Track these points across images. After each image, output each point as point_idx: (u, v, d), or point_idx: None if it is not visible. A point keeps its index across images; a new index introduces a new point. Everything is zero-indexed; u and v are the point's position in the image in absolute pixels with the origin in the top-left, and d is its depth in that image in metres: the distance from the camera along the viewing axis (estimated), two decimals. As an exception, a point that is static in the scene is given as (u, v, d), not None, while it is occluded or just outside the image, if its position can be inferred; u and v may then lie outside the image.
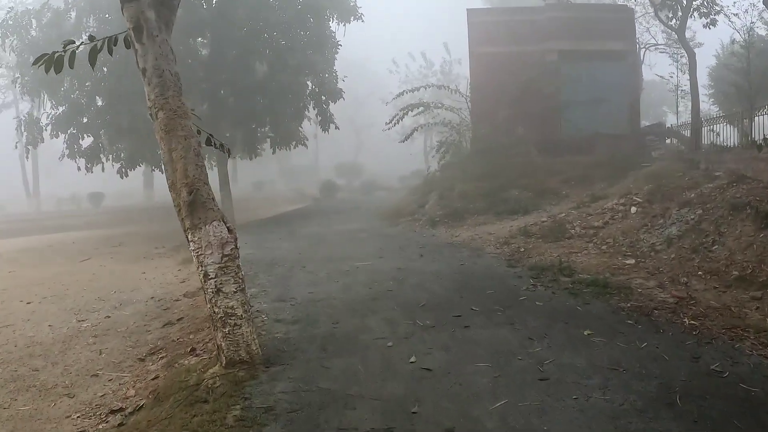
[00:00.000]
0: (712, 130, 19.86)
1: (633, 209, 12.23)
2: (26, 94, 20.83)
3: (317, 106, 22.31)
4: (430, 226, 16.06)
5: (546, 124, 21.51)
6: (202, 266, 4.88)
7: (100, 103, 20.32)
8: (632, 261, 9.45)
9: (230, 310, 4.92)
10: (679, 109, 29.89)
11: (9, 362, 7.01)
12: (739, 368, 4.81)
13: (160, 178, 35.36)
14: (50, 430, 5.13)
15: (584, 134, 21.23)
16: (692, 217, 10.26)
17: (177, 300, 9.78)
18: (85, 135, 20.56)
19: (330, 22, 21.98)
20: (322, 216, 22.70)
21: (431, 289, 8.29)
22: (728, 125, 20.25)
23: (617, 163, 17.70)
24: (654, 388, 4.46)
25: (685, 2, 19.63)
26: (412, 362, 5.22)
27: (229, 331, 4.96)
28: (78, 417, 5.38)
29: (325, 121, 22.39)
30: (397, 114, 23.21)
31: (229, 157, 7.38)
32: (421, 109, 23.50)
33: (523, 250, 11.01)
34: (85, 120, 20.33)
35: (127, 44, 5.28)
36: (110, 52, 5.36)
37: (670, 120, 35.41)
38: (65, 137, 20.50)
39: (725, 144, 18.75)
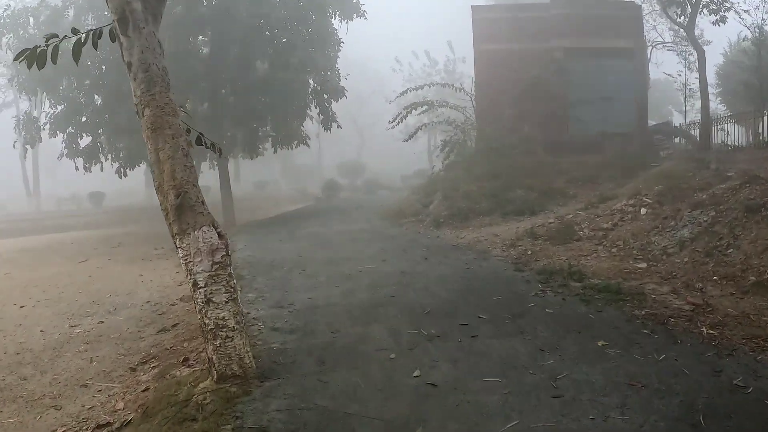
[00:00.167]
0: (722, 129, 19.55)
1: (643, 210, 11.87)
2: (23, 92, 20.55)
3: (319, 104, 21.99)
4: (435, 227, 15.70)
5: (552, 122, 21.14)
6: (191, 274, 4.57)
7: (99, 101, 20.02)
8: (644, 265, 9.11)
9: (221, 322, 4.60)
10: (685, 108, 29.49)
11: (-2, 370, 6.73)
12: (763, 383, 4.49)
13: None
14: (33, 446, 4.86)
15: (591, 133, 20.90)
16: (705, 219, 9.91)
17: (173, 304, 9.48)
18: (83, 134, 20.29)
19: (332, 20, 21.65)
20: (324, 216, 22.32)
21: (436, 294, 7.95)
22: (736, 124, 19.99)
23: (625, 163, 17.37)
24: (676, 406, 4.15)
25: (694, -1, 19.27)
26: (416, 377, 4.90)
27: (220, 343, 4.64)
28: (63, 431, 5.10)
29: (327, 120, 22.06)
30: (401, 112, 22.86)
31: (220, 157, 7.05)
32: (425, 107, 23.16)
33: (530, 252, 10.66)
34: (84, 119, 20.05)
35: (113, 37, 4.96)
36: (95, 45, 5.04)
37: (676, 119, 35.09)
38: (64, 136, 20.24)
39: (735, 144, 18.47)
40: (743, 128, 20.25)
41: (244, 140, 22.23)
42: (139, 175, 34.85)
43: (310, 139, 23.63)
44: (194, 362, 5.98)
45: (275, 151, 23.00)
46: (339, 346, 5.87)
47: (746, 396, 4.28)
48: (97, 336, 8.12)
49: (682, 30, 22.75)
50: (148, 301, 9.99)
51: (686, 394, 4.32)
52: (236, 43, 19.80)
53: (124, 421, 4.92)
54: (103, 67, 18.59)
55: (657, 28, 29.21)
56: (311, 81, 21.94)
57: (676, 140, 23.92)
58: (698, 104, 26.35)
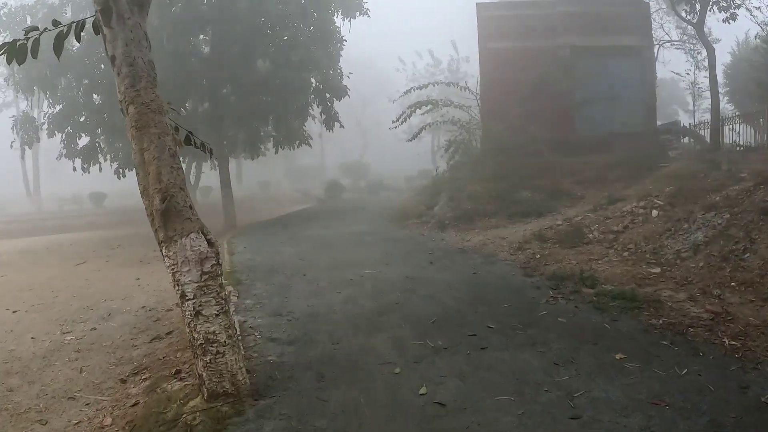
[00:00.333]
0: (733, 129, 19.16)
1: (654, 212, 11.50)
2: (19, 91, 20.25)
3: (321, 103, 21.60)
4: (439, 229, 15.34)
5: (559, 122, 20.77)
6: (178, 285, 4.22)
7: (98, 101, 19.71)
8: (658, 270, 8.73)
9: (211, 336, 4.25)
10: (692, 107, 29.08)
11: (-15, 381, 6.46)
12: (793, 400, 4.15)
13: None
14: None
15: (599, 133, 20.52)
16: (719, 221, 9.53)
17: (169, 310, 9.15)
18: (82, 134, 19.99)
19: (335, 17, 21.29)
20: (327, 217, 22.00)
21: (442, 301, 7.59)
22: (744, 124, 19.59)
23: (634, 163, 16.98)
24: (702, 427, 3.86)
25: (704, -4, 18.86)
26: (422, 394, 4.56)
27: (210, 359, 4.29)
28: (47, 449, 4.84)
29: (330, 120, 21.69)
30: (405, 112, 22.48)
31: (210, 157, 6.70)
32: (429, 106, 22.78)
33: (539, 256, 10.28)
34: (82, 119, 19.74)
35: (96, 29, 4.62)
36: (77, 38, 4.70)
37: (682, 119, 34.63)
38: (62, 136, 19.94)
39: (746, 144, 18.08)
40: (752, 128, 19.84)
41: (245, 140, 21.88)
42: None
43: (312, 139, 23.28)
44: (186, 375, 5.65)
45: (276, 151, 22.60)
46: (340, 358, 5.52)
47: (776, 414, 3.96)
48: (89, 344, 7.86)
49: (690, 28, 22.38)
50: (143, 307, 9.71)
51: (713, 413, 4.03)
52: (237, 41, 19.46)
53: (111, 439, 4.65)
54: (102, 65, 18.25)
55: (664, 26, 28.92)
56: (313, 80, 21.54)
57: (684, 140, 23.50)
58: (705, 104, 26.09)
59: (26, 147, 20.90)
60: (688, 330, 5.85)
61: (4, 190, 49.01)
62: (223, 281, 9.58)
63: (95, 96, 19.62)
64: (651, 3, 24.51)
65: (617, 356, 5.20)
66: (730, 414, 3.98)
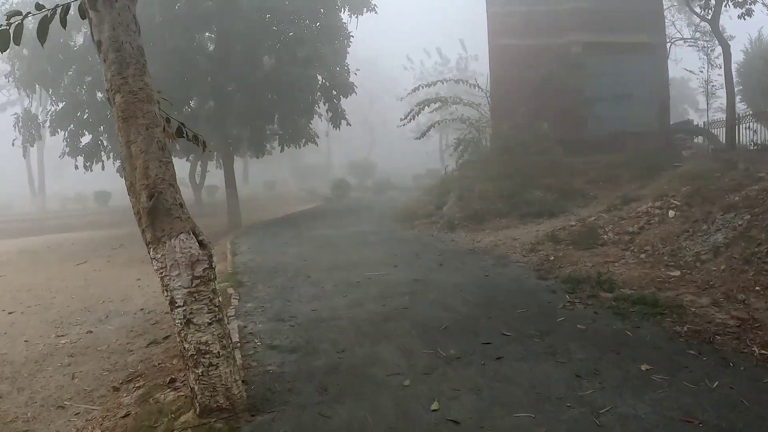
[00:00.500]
0: (749, 127, 18.68)
1: (671, 213, 11.08)
2: (19, 88, 19.96)
3: (328, 101, 21.22)
4: (449, 229, 14.92)
5: (570, 120, 20.31)
6: (167, 291, 3.86)
7: (100, 98, 19.40)
8: (677, 273, 8.33)
9: (204, 347, 3.89)
10: (703, 106, 28.59)
11: (-26, 386, 6.24)
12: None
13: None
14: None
15: (611, 131, 20.03)
16: (739, 222, 9.14)
17: (168, 313, 8.76)
18: (85, 132, 19.71)
19: (342, 14, 20.91)
20: (333, 217, 21.60)
21: (453, 306, 7.20)
22: (757, 123, 19.10)
23: (647, 163, 16.53)
24: (740, 449, 3.47)
25: (719, -9, 18.40)
26: (434, 410, 4.19)
27: (202, 372, 3.93)
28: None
29: (336, 117, 21.30)
30: (413, 109, 22.08)
31: (203, 151, 6.33)
32: (437, 104, 22.38)
33: (553, 258, 9.87)
34: (85, 116, 19.45)
35: (82, 14, 4.27)
36: (63, 24, 4.35)
37: (691, 118, 34.15)
38: (65, 134, 19.66)
39: (761, 143, 17.61)
40: (765, 127, 19.35)
41: (250, 139, 21.56)
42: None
43: (318, 137, 22.92)
44: (181, 384, 5.34)
45: (282, 150, 22.26)
46: (344, 369, 5.15)
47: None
48: (83, 348, 7.64)
49: (702, 25, 21.92)
50: (142, 309, 9.48)
51: (749, 432, 3.67)
52: (242, 38, 19.09)
53: (97, 454, 4.33)
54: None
55: (675, 23, 28.46)
56: (319, 77, 21.18)
57: (696, 140, 23.01)
58: (716, 103, 25.61)
59: (28, 145, 20.56)
60: (714, 338, 5.53)
61: (8, 189, 48.99)
62: (226, 283, 9.35)
63: (98, 93, 19.32)
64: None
65: (643, 367, 4.86)
66: (769, 433, 3.62)
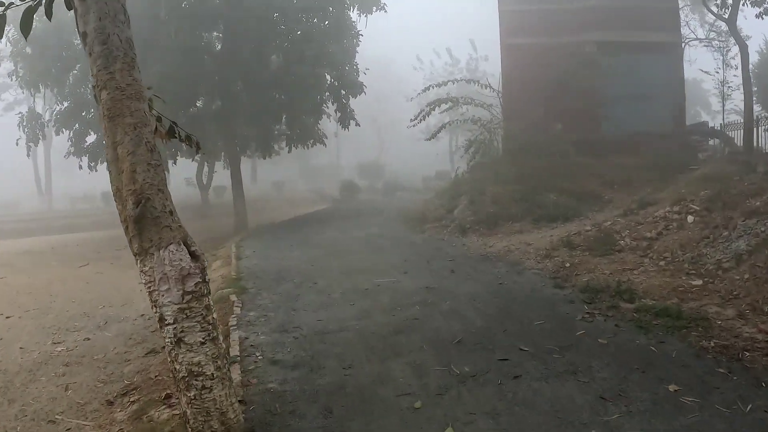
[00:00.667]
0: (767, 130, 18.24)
1: (690, 218, 10.64)
2: (23, 87, 19.75)
3: (336, 100, 20.84)
4: (460, 233, 14.47)
5: (584, 121, 19.87)
6: (156, 307, 3.51)
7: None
8: (699, 282, 7.92)
9: (196, 368, 3.53)
10: (715, 108, 28.04)
11: (-37, 397, 6.01)
12: None
13: (176, 176, 34.34)
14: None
15: (625, 133, 19.57)
16: (762, 229, 8.71)
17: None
18: (90, 131, 19.48)
19: (350, 12, 20.56)
20: (341, 219, 21.18)
21: (467, 317, 6.82)
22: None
23: (663, 165, 16.11)
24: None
25: (737, -11, 17.94)
26: (448, 438, 3.81)
27: (195, 395, 3.57)
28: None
29: (345, 117, 20.90)
30: (423, 110, 21.72)
31: (197, 152, 5.99)
32: (448, 104, 21.98)
33: (568, 265, 9.45)
34: (90, 115, 19.20)
35: (68, 4, 3.94)
36: (48, 15, 4.03)
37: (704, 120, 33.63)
38: (70, 134, 19.44)
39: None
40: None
41: (257, 139, 21.24)
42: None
43: (327, 138, 22.57)
44: (176, 400, 4.98)
45: (290, 150, 21.92)
46: (351, 388, 4.79)
47: None
48: (79, 357, 7.40)
49: (717, 25, 21.44)
50: (142, 315, 9.25)
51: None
52: (249, 36, 18.78)
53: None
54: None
55: (689, 24, 27.93)
56: (328, 76, 20.79)
57: (711, 142, 22.54)
58: (729, 105, 25.06)
59: (32, 145, 20.33)
60: (743, 354, 5.16)
61: (16, 188, 48.94)
62: (229, 289, 9.00)
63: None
64: (677, -1, 23.60)
65: (671, 388, 4.51)
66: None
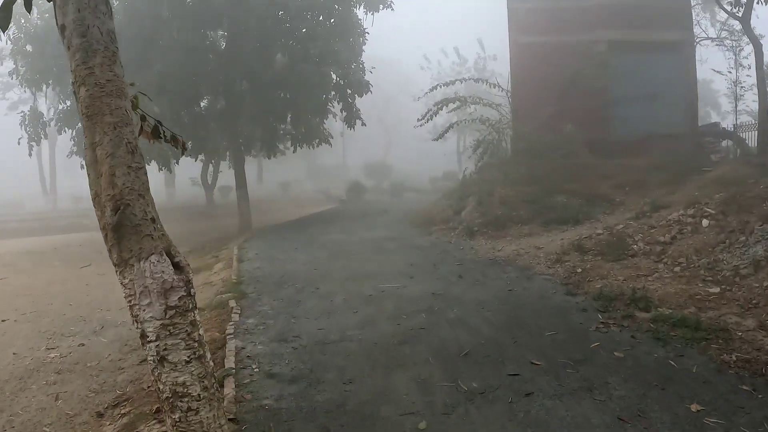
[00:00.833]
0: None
1: (705, 222, 10.28)
2: (24, 85, 19.52)
3: (342, 99, 20.51)
4: (468, 236, 14.11)
5: (594, 121, 19.48)
6: (137, 322, 3.22)
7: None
8: (717, 289, 7.59)
9: (181, 389, 3.24)
10: (725, 108, 27.57)
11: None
12: None
13: (181, 175, 34.18)
14: None
15: (637, 133, 19.21)
16: (781, 234, 8.41)
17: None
18: (93, 130, 19.24)
19: (356, 10, 20.23)
20: (347, 221, 20.88)
21: (475, 327, 6.50)
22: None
23: (675, 167, 15.73)
24: None
25: (752, -14, 17.54)
26: (455, 466, 3.51)
27: (180, 417, 3.28)
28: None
29: (351, 117, 20.56)
30: (430, 109, 21.37)
31: (183, 154, 5.71)
32: (456, 104, 21.63)
33: (580, 270, 9.12)
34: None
35: (49, -5, 3.66)
36: (28, 8, 3.77)
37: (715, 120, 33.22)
38: (73, 133, 19.23)
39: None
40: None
41: (262, 138, 20.96)
42: (159, 173, 34.01)
43: (332, 137, 22.25)
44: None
45: (294, 150, 21.64)
46: (351, 406, 4.49)
47: None
48: (72, 363, 7.20)
49: (730, 23, 20.99)
50: (140, 320, 8.82)
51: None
52: (253, 35, 18.48)
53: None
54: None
55: (700, 23, 27.47)
56: (333, 74, 20.43)
57: (723, 143, 22.12)
58: (739, 106, 24.58)
59: (34, 144, 20.10)
60: (766, 369, 4.87)
61: (20, 188, 48.89)
62: (228, 294, 8.70)
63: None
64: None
65: (693, 407, 4.23)
66: None
